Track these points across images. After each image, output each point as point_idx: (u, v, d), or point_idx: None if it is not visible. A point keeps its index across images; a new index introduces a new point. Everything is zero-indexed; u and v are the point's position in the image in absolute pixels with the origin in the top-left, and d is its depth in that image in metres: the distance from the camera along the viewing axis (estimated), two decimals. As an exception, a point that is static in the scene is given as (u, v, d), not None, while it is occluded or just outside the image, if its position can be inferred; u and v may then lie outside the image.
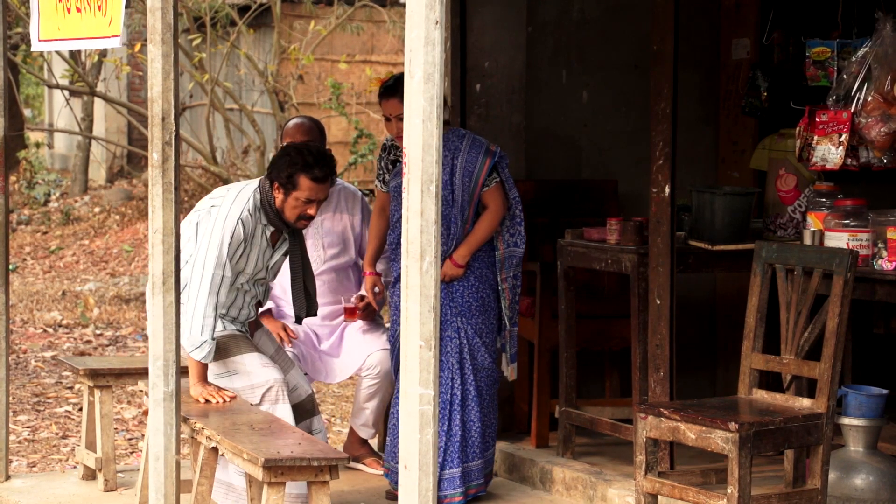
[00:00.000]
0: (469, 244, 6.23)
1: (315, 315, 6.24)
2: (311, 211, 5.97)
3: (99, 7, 5.61)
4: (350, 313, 6.74)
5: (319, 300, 6.87)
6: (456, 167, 6.23)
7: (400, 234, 6.33)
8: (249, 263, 6.02)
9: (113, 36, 5.52)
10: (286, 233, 6.08)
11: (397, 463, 6.25)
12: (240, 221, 5.92)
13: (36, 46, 6.14)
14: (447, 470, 6.16)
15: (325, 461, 4.95)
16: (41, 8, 6.06)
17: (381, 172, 6.53)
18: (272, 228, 6.05)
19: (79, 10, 5.75)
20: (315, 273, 6.86)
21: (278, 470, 4.91)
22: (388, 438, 6.40)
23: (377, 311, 6.82)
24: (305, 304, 6.16)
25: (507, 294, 6.33)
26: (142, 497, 6.09)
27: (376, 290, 6.61)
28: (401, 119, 6.13)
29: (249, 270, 6.03)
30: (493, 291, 6.31)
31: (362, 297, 6.77)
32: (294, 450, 5.03)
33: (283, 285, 6.89)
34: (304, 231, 6.84)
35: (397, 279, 6.35)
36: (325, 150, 6.09)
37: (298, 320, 6.23)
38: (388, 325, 6.75)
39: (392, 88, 6.26)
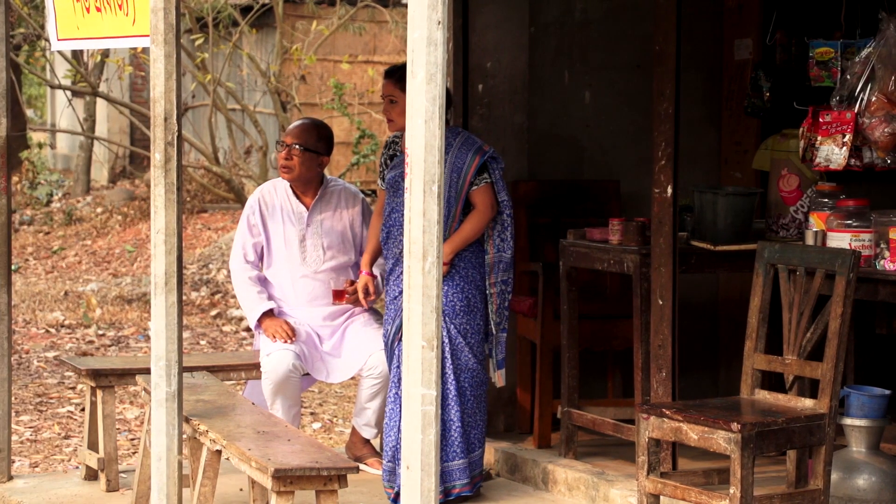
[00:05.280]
0: (453, 242, 6.22)
1: None
2: None
3: (120, 6, 5.60)
4: (338, 296, 6.73)
5: (320, 300, 6.88)
6: (445, 163, 6.24)
7: (391, 226, 6.34)
8: None
9: (142, 35, 5.50)
10: None
11: (390, 461, 6.27)
12: None
13: (56, 46, 6.11)
14: None
15: (335, 470, 4.94)
16: (57, 7, 6.03)
17: (382, 170, 6.53)
18: None
19: (98, 9, 5.74)
20: (315, 272, 6.88)
21: (287, 479, 4.89)
22: (383, 436, 6.40)
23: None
24: None
25: (496, 299, 6.31)
26: (138, 492, 6.09)
27: (368, 290, 6.58)
28: (391, 101, 6.34)
29: None
30: (479, 293, 6.30)
31: (352, 282, 6.77)
32: (303, 458, 5.01)
33: (281, 286, 6.90)
34: (304, 231, 6.87)
35: (391, 271, 6.36)
36: None
37: None
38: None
39: (390, 72, 6.41)
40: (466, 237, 6.25)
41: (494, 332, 6.34)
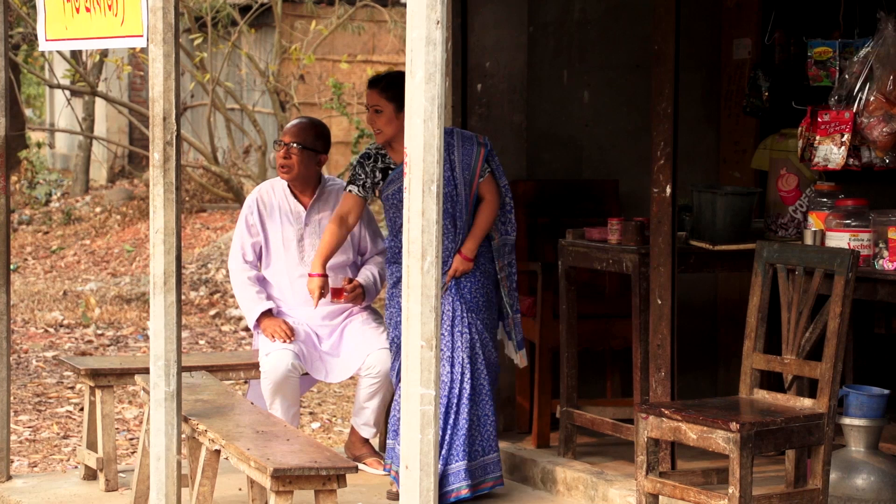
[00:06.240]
0: (475, 237, 6.32)
1: None
2: None
3: (109, 6, 5.60)
4: (336, 294, 6.73)
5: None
6: (455, 162, 6.29)
7: (402, 241, 6.33)
8: None
9: (134, 35, 5.49)
10: None
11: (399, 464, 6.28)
12: None
13: (43, 46, 6.10)
14: (453, 464, 6.17)
15: (334, 470, 4.94)
16: (47, 8, 6.03)
17: (360, 178, 6.39)
18: None
19: (88, 9, 5.74)
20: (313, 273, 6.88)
21: (286, 479, 4.89)
22: (388, 439, 6.41)
23: (364, 298, 6.81)
24: None
25: (505, 282, 6.43)
26: (137, 492, 6.09)
27: (324, 291, 6.42)
28: (376, 111, 6.29)
29: None
30: (494, 285, 6.40)
31: (350, 280, 6.76)
32: (302, 458, 5.01)
33: (279, 285, 6.89)
34: (302, 231, 6.86)
35: (396, 282, 6.36)
36: None
37: None
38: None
39: (374, 81, 6.38)
40: (485, 230, 6.36)
41: (510, 313, 6.42)
